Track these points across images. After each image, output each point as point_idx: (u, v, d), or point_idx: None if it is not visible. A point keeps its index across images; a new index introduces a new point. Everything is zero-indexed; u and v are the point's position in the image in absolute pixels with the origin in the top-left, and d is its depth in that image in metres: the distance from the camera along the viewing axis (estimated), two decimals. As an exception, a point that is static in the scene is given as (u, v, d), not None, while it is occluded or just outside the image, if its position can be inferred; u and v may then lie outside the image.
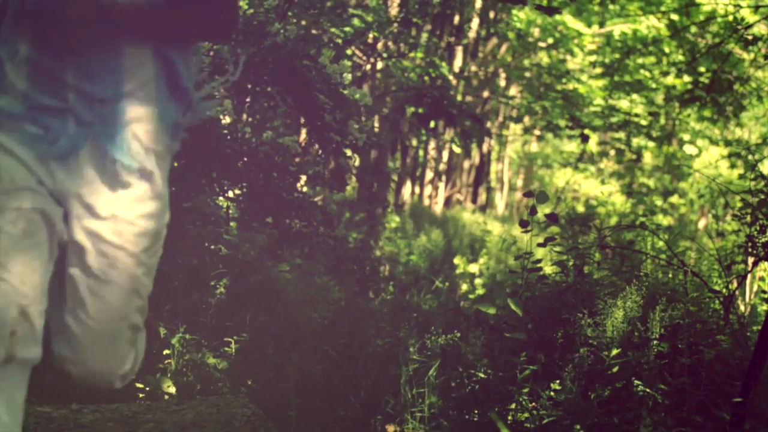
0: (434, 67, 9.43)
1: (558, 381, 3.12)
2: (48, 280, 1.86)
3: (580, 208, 12.73)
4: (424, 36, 11.37)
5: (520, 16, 13.58)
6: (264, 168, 4.84)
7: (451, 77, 10.94)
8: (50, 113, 1.90)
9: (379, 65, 9.63)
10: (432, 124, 10.03)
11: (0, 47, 1.92)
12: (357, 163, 8.90)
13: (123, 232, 1.95)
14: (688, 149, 16.77)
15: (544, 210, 6.94)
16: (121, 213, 1.95)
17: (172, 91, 2.04)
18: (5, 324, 1.75)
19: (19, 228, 1.82)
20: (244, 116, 6.11)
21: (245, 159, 4.77)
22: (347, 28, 8.33)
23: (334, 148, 4.92)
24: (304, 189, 5.46)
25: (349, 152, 5.12)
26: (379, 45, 9.65)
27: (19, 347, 1.78)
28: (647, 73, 13.74)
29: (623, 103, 14.43)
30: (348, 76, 5.03)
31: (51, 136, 1.89)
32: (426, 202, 14.30)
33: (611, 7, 13.59)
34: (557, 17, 12.98)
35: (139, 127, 1.97)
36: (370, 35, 8.85)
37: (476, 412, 3.24)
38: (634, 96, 14.34)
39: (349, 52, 9.50)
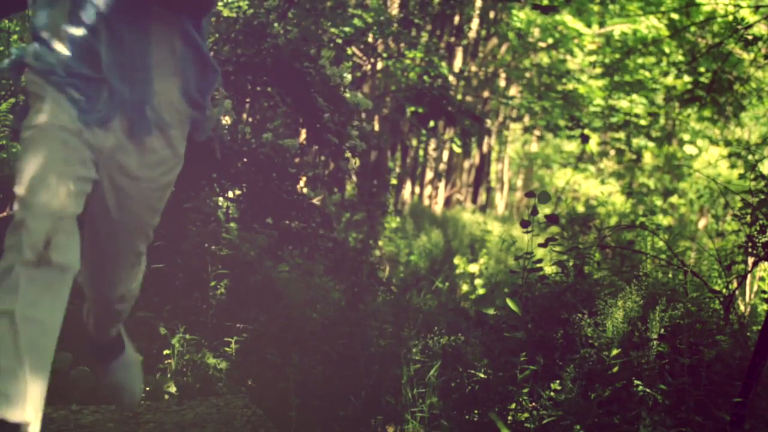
0: (433, 66, 9.43)
1: (558, 381, 3.12)
2: (81, 203, 2.07)
3: (580, 208, 12.73)
4: (424, 36, 11.37)
5: (520, 16, 13.57)
6: (264, 169, 4.84)
7: (451, 78, 10.95)
8: (87, 81, 2.13)
9: (379, 65, 9.63)
10: (431, 123, 10.03)
11: (40, 18, 2.16)
12: (357, 164, 8.89)
13: (144, 188, 2.26)
14: (688, 149, 16.77)
15: (544, 210, 6.93)
16: (145, 173, 2.23)
17: (193, 61, 2.25)
18: (38, 231, 1.95)
19: (61, 152, 2.05)
20: (244, 116, 6.11)
21: (245, 160, 4.77)
22: (347, 29, 8.34)
23: (333, 150, 4.91)
24: (304, 190, 5.46)
25: (348, 155, 5.11)
26: (379, 45, 9.65)
27: (54, 253, 1.96)
28: (647, 73, 13.73)
29: (623, 104, 14.43)
30: (348, 77, 5.02)
31: (89, 104, 2.13)
32: (426, 202, 14.30)
33: (611, 6, 13.59)
34: (557, 17, 12.98)
35: (163, 96, 2.21)
36: (370, 35, 8.85)
37: (476, 412, 3.24)
38: (634, 96, 14.34)
39: (349, 52, 9.50)
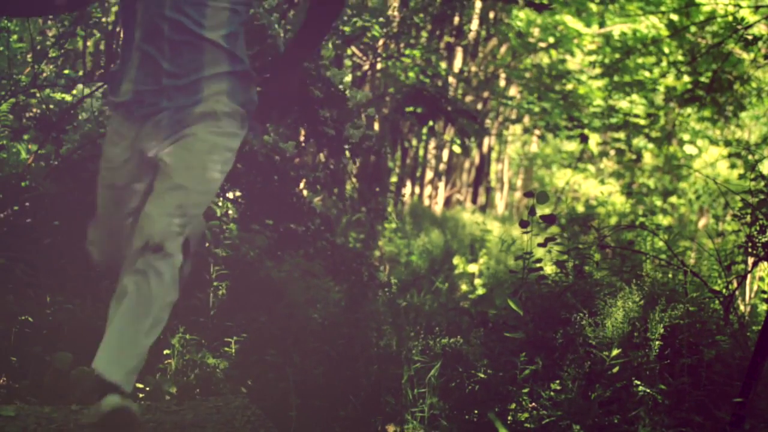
0: (432, 65, 9.43)
1: (558, 381, 3.12)
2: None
3: (580, 208, 12.74)
4: (424, 35, 11.38)
5: (520, 16, 13.58)
6: (263, 171, 4.84)
7: (450, 78, 10.94)
8: (149, 94, 2.65)
9: (379, 66, 9.63)
10: (430, 123, 10.03)
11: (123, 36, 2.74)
12: (357, 164, 8.90)
13: (194, 176, 2.62)
14: (688, 149, 16.77)
15: (544, 210, 6.93)
16: (196, 162, 2.63)
17: (237, 73, 2.74)
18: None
19: (122, 173, 2.74)
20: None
21: (244, 161, 4.77)
22: (346, 28, 8.34)
23: (328, 142, 4.88)
24: (304, 192, 5.45)
25: (347, 153, 5.11)
26: (379, 45, 9.66)
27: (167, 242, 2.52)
28: (647, 74, 13.73)
29: (623, 104, 14.43)
30: (348, 79, 5.01)
31: (146, 109, 2.65)
32: (426, 202, 14.30)
33: (611, 6, 13.59)
34: (557, 17, 12.97)
35: (215, 100, 2.68)
36: (369, 34, 8.86)
37: (476, 412, 3.24)
38: (634, 96, 14.33)
39: (349, 51, 9.50)
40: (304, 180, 5.32)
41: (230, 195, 4.87)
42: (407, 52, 9.92)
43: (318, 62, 4.85)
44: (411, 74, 9.57)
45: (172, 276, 2.54)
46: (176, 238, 2.57)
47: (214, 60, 2.68)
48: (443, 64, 11.40)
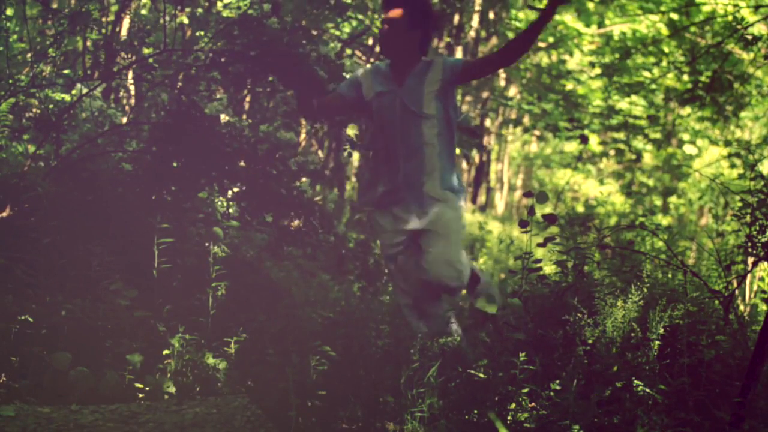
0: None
1: (558, 381, 3.12)
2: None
3: (580, 208, 12.73)
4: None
5: (520, 15, 13.58)
6: (263, 165, 4.83)
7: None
8: (390, 193, 3.85)
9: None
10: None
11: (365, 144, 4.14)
12: (356, 165, 8.89)
13: (443, 233, 3.82)
14: (688, 149, 16.76)
15: (543, 210, 6.92)
16: (441, 224, 3.83)
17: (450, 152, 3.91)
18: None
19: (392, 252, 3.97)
20: (245, 117, 6.11)
21: (245, 157, 4.76)
22: (346, 26, 8.34)
23: (334, 128, 4.87)
24: (304, 189, 5.45)
25: (350, 133, 5.11)
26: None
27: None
28: (647, 74, 13.73)
29: (622, 105, 14.42)
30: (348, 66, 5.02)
31: (394, 199, 3.85)
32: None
33: (611, 6, 13.58)
34: (557, 17, 12.96)
35: (434, 177, 3.83)
36: (369, 34, 8.86)
37: (476, 412, 3.24)
38: (634, 97, 14.33)
39: (348, 51, 9.51)
40: (304, 178, 5.32)
41: (229, 193, 4.87)
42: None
43: (316, 45, 4.83)
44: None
45: None
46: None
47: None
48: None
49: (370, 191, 3.95)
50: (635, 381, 3.05)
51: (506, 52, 3.72)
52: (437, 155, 3.79)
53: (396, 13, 3.75)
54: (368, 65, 4.10)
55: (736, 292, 3.75)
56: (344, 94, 3.89)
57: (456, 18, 11.73)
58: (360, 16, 8.38)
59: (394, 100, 3.79)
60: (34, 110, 5.05)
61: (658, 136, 15.47)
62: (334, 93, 3.95)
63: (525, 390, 3.18)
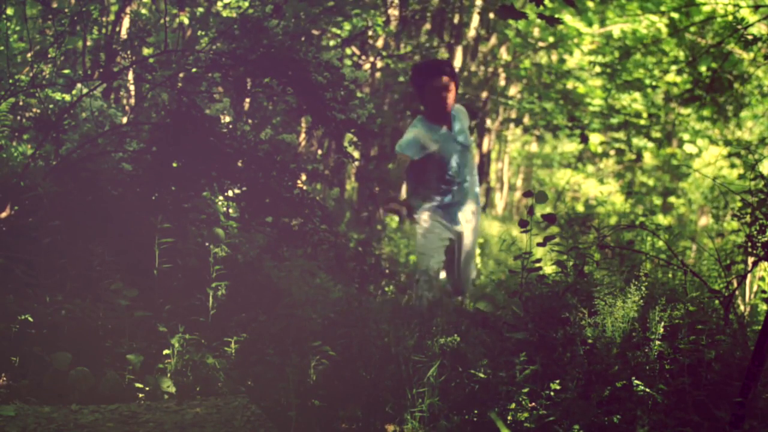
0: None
1: (558, 381, 3.12)
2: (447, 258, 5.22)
3: (580, 208, 12.72)
4: (424, 31, 11.38)
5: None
6: (263, 166, 4.82)
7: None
8: (449, 205, 5.10)
9: (379, 64, 9.63)
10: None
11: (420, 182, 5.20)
12: (357, 162, 8.89)
13: (472, 237, 5.18)
14: (688, 149, 16.75)
15: (543, 210, 6.92)
16: (472, 228, 5.19)
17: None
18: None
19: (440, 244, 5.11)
20: (245, 117, 6.10)
21: (245, 158, 4.76)
22: (346, 25, 8.33)
23: (335, 128, 4.86)
24: (304, 187, 5.44)
25: (352, 137, 5.14)
26: (379, 43, 9.65)
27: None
28: (647, 74, 13.71)
29: (623, 101, 14.41)
30: (348, 69, 5.02)
31: (446, 202, 5.10)
32: (426, 202, 14.23)
33: (611, 6, 13.57)
34: (557, 16, 12.94)
35: (475, 192, 5.27)
36: (370, 32, 8.85)
37: (476, 412, 3.24)
38: (634, 96, 14.32)
39: (348, 51, 9.50)
40: (304, 176, 5.32)
41: (230, 193, 4.87)
42: (408, 50, 9.90)
43: (316, 48, 4.83)
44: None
45: None
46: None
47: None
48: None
49: (426, 202, 5.11)
50: (635, 381, 3.05)
51: None
52: (476, 175, 5.28)
53: (447, 79, 4.94)
54: (413, 129, 5.04)
55: (736, 292, 3.74)
56: (412, 156, 4.96)
57: (456, 18, 11.72)
58: (358, 12, 8.37)
59: (448, 141, 5.02)
60: (34, 110, 5.04)
61: (658, 135, 15.45)
62: (403, 157, 4.97)
63: (525, 390, 3.18)
